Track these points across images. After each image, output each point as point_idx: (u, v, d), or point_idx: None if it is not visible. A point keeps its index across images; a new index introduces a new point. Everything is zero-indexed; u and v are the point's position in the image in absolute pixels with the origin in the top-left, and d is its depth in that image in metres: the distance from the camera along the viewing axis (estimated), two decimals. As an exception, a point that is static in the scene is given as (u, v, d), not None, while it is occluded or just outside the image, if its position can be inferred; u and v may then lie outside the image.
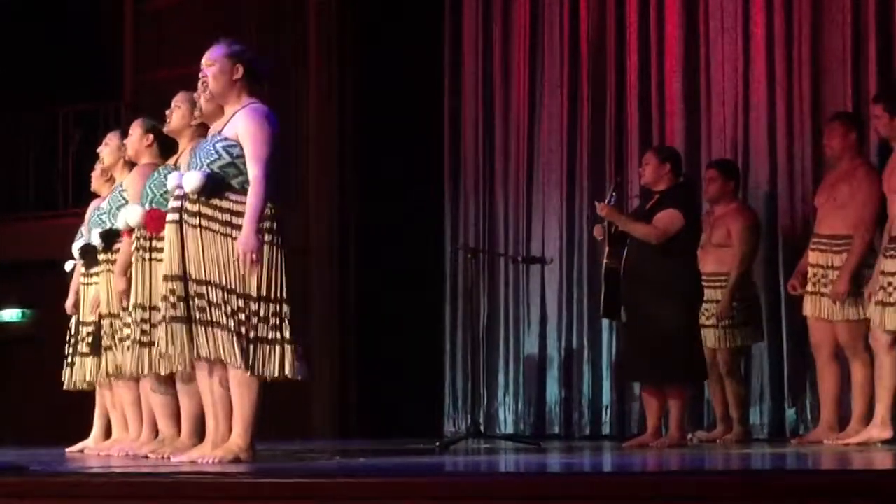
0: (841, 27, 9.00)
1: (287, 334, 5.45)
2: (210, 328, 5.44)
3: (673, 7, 9.86)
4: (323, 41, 11.03)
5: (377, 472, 4.69)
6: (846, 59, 8.96)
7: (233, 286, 5.44)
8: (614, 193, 7.86)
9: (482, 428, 8.93)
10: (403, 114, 10.71)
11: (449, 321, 10.78)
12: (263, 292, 5.43)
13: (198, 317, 5.45)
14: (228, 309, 5.42)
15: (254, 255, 5.38)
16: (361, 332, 10.92)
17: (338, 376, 10.80)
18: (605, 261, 7.74)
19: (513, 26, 10.72)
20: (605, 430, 9.92)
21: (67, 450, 7.50)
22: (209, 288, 5.45)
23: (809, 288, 7.68)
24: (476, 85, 10.82)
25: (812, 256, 7.69)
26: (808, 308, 7.71)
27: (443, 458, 6.19)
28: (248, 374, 5.42)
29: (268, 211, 5.46)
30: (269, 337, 5.43)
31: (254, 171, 5.45)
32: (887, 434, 7.13)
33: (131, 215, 6.50)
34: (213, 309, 5.44)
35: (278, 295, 5.46)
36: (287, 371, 5.43)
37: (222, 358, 5.45)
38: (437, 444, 7.82)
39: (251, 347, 5.42)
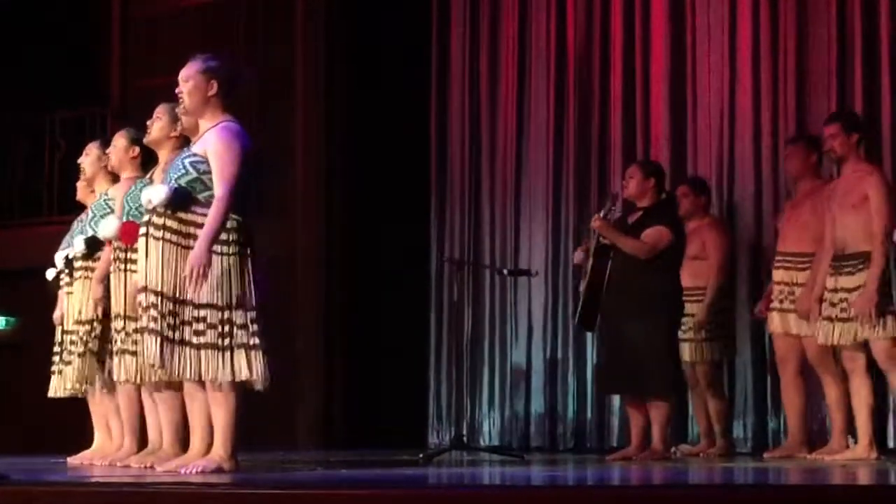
0: (826, 41, 9.04)
1: (255, 340, 5.44)
2: (177, 344, 5.44)
3: (659, 19, 9.88)
4: (311, 52, 11.01)
5: (359, 483, 4.68)
6: (831, 72, 9.00)
7: (200, 300, 5.42)
8: (613, 207, 7.79)
9: (466, 439, 8.93)
10: (390, 125, 10.71)
11: (434, 332, 10.76)
12: (231, 301, 5.44)
13: (165, 330, 5.45)
14: (194, 322, 5.43)
15: (201, 270, 5.38)
16: (346, 342, 10.90)
17: (322, 386, 10.79)
18: (587, 272, 7.74)
19: (500, 38, 10.72)
20: (590, 443, 9.92)
21: (70, 459, 7.43)
22: (172, 303, 5.45)
23: (776, 305, 7.72)
24: (462, 97, 10.83)
25: (777, 274, 7.75)
26: (775, 324, 7.75)
27: (426, 470, 6.18)
28: (219, 383, 5.41)
29: (234, 223, 5.47)
30: (239, 342, 5.43)
31: (218, 190, 5.47)
32: (874, 455, 7.13)
33: (108, 228, 6.54)
34: (176, 322, 5.44)
35: (245, 303, 5.46)
36: (254, 376, 5.41)
37: (190, 374, 5.44)
38: (421, 455, 7.81)
39: (219, 357, 5.41)
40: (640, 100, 9.95)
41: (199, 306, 5.43)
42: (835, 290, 7.12)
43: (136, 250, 5.94)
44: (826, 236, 7.25)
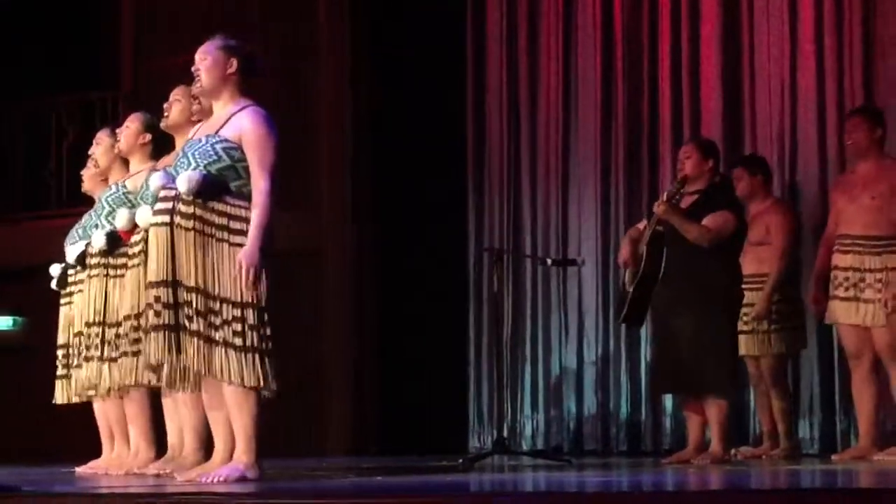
0: (894, 10, 9.00)
1: (270, 345, 5.46)
2: (199, 340, 5.44)
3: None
4: (335, 31, 11.02)
5: (394, 491, 4.70)
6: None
7: (227, 295, 5.43)
8: (682, 191, 7.65)
9: (509, 443, 8.94)
10: (423, 106, 10.71)
11: (473, 328, 10.77)
12: (261, 301, 5.45)
13: (186, 326, 5.46)
14: (219, 320, 5.43)
15: (253, 272, 5.39)
16: (380, 341, 10.93)
17: (353, 389, 10.81)
18: (641, 261, 7.71)
19: (541, 12, 10.71)
20: (644, 445, 9.92)
21: (78, 469, 7.46)
22: (199, 296, 5.45)
23: (841, 293, 7.66)
24: (501, 74, 10.82)
25: (842, 259, 7.67)
26: (840, 314, 7.70)
27: (467, 477, 6.20)
28: (245, 387, 5.42)
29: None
30: (263, 347, 5.44)
31: (261, 183, 5.46)
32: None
33: (142, 216, 6.43)
34: (201, 319, 5.44)
35: (264, 303, 5.46)
36: (266, 381, 5.42)
37: (213, 374, 5.45)
38: (461, 460, 7.83)
39: (245, 359, 5.42)
40: (689, 79, 9.93)
41: (234, 304, 5.43)
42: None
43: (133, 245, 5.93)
44: None
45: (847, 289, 7.64)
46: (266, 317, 5.46)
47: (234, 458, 5.48)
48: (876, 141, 7.70)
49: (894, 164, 7.69)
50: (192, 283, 5.46)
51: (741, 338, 8.07)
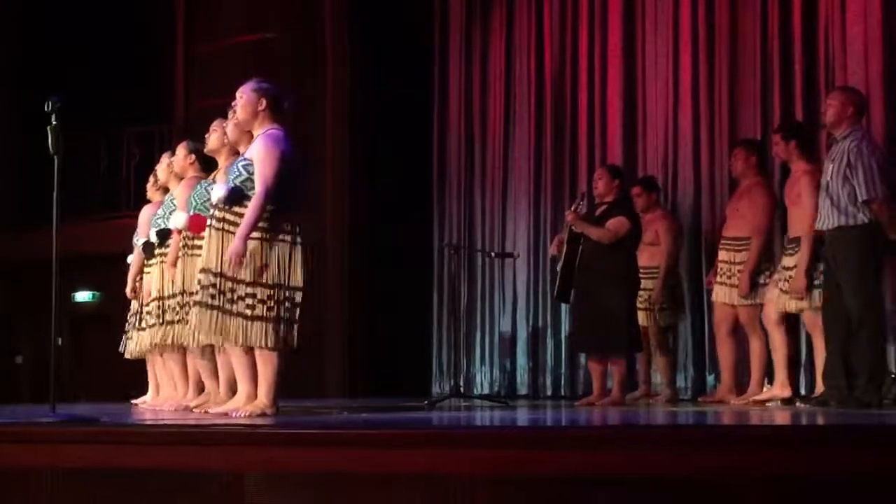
0: (752, 73, 9.04)
1: (297, 315, 5.39)
2: (230, 316, 5.37)
3: (615, 51, 9.92)
4: (338, 82, 10.98)
5: (375, 423, 4.68)
6: (756, 97, 8.99)
7: (248, 279, 5.35)
8: (582, 203, 7.82)
9: (462, 389, 8.92)
10: (401, 138, 10.70)
11: (436, 304, 10.77)
12: (280, 281, 5.38)
13: (222, 305, 5.39)
14: (244, 297, 5.35)
15: (236, 258, 5.30)
16: (367, 312, 10.89)
17: (347, 347, 10.78)
18: (563, 256, 7.73)
19: (490, 62, 10.75)
20: (564, 391, 9.92)
21: (133, 401, 7.41)
22: (226, 280, 5.38)
23: (718, 279, 7.69)
24: (459, 113, 10.86)
25: (720, 254, 7.70)
26: (717, 295, 7.71)
27: (430, 414, 6.17)
28: (269, 350, 5.38)
29: (267, 213, 5.36)
30: (285, 317, 5.38)
31: (257, 188, 5.38)
32: (788, 393, 7.15)
33: (178, 220, 6.45)
34: (232, 298, 5.37)
35: (291, 283, 5.39)
36: (293, 343, 5.38)
37: (244, 342, 5.39)
38: (426, 402, 7.81)
39: (264, 326, 5.34)
40: (599, 117, 10.00)
41: (249, 284, 5.36)
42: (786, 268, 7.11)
43: (201, 238, 5.87)
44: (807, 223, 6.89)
45: (721, 276, 7.66)
46: (293, 295, 5.38)
47: (258, 398, 5.44)
48: (752, 166, 7.68)
49: (759, 185, 7.67)
50: (223, 271, 5.38)
51: (639, 313, 8.07)
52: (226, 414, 5.43)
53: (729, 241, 7.66)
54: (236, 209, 5.44)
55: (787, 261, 7.04)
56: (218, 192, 5.45)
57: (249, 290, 5.36)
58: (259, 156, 5.41)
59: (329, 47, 11.08)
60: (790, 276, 6.97)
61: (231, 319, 5.38)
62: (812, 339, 7.22)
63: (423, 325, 10.73)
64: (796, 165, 7.09)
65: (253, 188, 5.41)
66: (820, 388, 6.72)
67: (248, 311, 5.35)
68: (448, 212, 10.83)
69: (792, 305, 7.01)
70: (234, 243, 5.32)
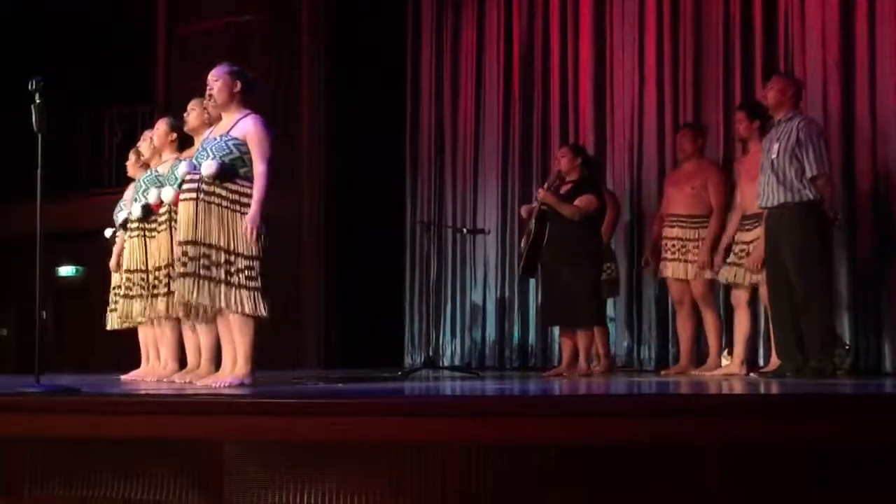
0: (716, 59, 9.08)
1: (259, 283, 5.40)
2: (212, 283, 5.39)
3: (585, 33, 9.91)
4: (313, 64, 10.95)
5: (351, 394, 4.68)
6: (718, 82, 9.03)
7: (240, 251, 5.39)
8: (557, 181, 7.75)
9: (434, 361, 8.93)
10: (374, 118, 10.67)
11: (409, 278, 10.77)
12: (257, 252, 5.41)
13: (202, 273, 5.41)
14: (232, 268, 5.38)
15: (256, 229, 5.36)
16: (342, 286, 10.88)
17: (323, 320, 10.77)
18: (530, 233, 7.73)
19: (460, 47, 10.74)
20: (532, 362, 9.95)
21: (123, 377, 7.37)
22: (215, 251, 5.40)
23: (670, 256, 7.64)
24: (431, 92, 10.85)
25: (671, 231, 7.65)
26: (670, 271, 7.68)
27: (403, 384, 6.18)
28: (245, 316, 5.39)
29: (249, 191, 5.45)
30: (261, 287, 5.40)
31: (260, 167, 5.42)
32: (744, 371, 7.18)
33: (167, 194, 6.39)
34: (216, 268, 5.39)
35: (261, 255, 5.43)
36: (261, 310, 5.39)
37: (224, 307, 5.41)
38: (399, 372, 7.82)
39: (248, 296, 5.38)
40: (571, 97, 9.99)
41: (240, 256, 5.38)
42: (741, 242, 7.11)
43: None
44: (736, 201, 7.19)
45: (674, 252, 7.65)
46: (262, 266, 5.42)
47: (237, 369, 5.45)
48: (698, 148, 7.70)
49: (709, 165, 7.69)
50: (213, 242, 5.41)
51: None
52: (208, 385, 5.42)
53: (682, 219, 7.59)
54: (227, 185, 5.45)
55: (744, 235, 7.07)
56: (209, 168, 5.44)
57: (244, 262, 5.39)
58: (257, 138, 5.45)
59: (306, 28, 11.04)
60: (746, 251, 7.00)
61: (212, 286, 5.38)
62: (769, 312, 7.24)
63: (397, 299, 10.74)
64: (756, 145, 7.10)
65: (242, 167, 5.45)
66: (775, 360, 6.76)
67: (250, 283, 5.37)
68: (420, 189, 10.82)
69: (749, 279, 7.03)
70: (251, 216, 5.36)
